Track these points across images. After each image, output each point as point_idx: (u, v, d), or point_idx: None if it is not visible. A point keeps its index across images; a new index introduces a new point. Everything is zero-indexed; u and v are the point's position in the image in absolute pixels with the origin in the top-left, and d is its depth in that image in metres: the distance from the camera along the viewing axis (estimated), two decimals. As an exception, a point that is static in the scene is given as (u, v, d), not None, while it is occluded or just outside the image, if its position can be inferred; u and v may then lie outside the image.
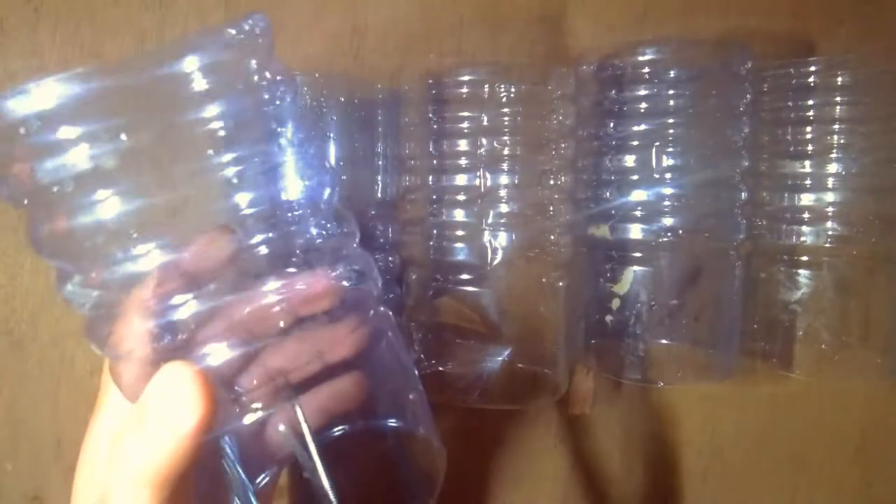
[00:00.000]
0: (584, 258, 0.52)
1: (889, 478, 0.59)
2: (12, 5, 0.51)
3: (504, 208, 0.49)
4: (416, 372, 0.34)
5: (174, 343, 0.27)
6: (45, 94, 0.24)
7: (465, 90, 0.49)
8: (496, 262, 0.49)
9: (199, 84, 0.26)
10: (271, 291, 0.27)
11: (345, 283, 0.29)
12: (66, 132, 0.25)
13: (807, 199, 0.50)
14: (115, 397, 0.30)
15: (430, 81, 0.50)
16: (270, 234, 0.28)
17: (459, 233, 0.50)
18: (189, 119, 0.26)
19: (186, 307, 0.26)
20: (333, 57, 0.54)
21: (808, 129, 0.49)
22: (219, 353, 0.27)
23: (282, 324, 0.28)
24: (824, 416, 0.58)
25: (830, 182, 0.49)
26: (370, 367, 0.32)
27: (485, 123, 0.48)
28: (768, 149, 0.51)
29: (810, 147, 0.49)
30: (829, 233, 0.49)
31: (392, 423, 0.32)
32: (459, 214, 0.50)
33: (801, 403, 0.58)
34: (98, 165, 0.25)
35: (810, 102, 0.49)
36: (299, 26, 0.53)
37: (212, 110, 0.26)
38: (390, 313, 0.34)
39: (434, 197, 0.50)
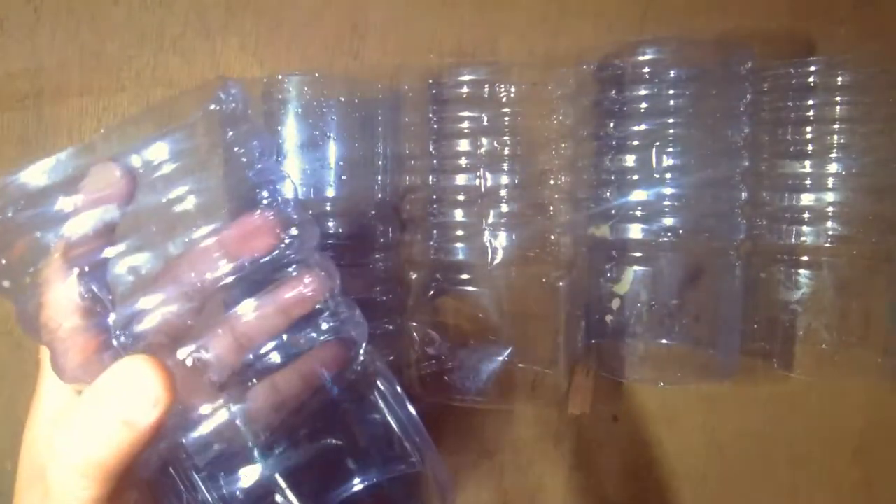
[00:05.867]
0: (584, 258, 0.52)
1: (889, 477, 0.59)
2: (12, 5, 0.51)
3: (504, 208, 0.49)
4: (413, 409, 0.32)
5: (106, 317, 0.26)
6: (31, 177, 0.25)
7: (465, 90, 0.49)
8: (496, 262, 0.49)
9: (168, 168, 0.27)
10: (206, 234, 0.27)
11: (281, 226, 0.28)
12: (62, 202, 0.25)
13: (807, 198, 0.50)
14: (55, 379, 0.29)
15: (431, 81, 0.50)
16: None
17: (460, 233, 0.50)
18: (164, 199, 0.27)
19: (116, 262, 0.26)
20: (333, 57, 0.54)
21: (808, 129, 0.49)
22: (160, 312, 0.26)
23: (224, 266, 0.27)
24: (824, 416, 0.58)
25: (830, 182, 0.49)
26: (363, 417, 0.31)
27: (485, 123, 0.48)
28: (768, 149, 0.51)
29: (810, 147, 0.49)
30: (829, 233, 0.49)
31: (401, 468, 0.31)
32: (459, 214, 0.50)
33: (801, 403, 0.58)
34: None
35: (810, 102, 0.49)
36: (299, 26, 0.53)
37: (182, 189, 0.27)
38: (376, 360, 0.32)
39: (434, 197, 0.50)
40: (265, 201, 0.29)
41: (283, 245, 0.29)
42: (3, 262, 0.26)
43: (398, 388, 0.32)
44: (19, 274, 0.26)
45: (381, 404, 0.31)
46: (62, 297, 0.25)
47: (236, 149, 0.29)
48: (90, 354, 0.26)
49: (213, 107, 0.28)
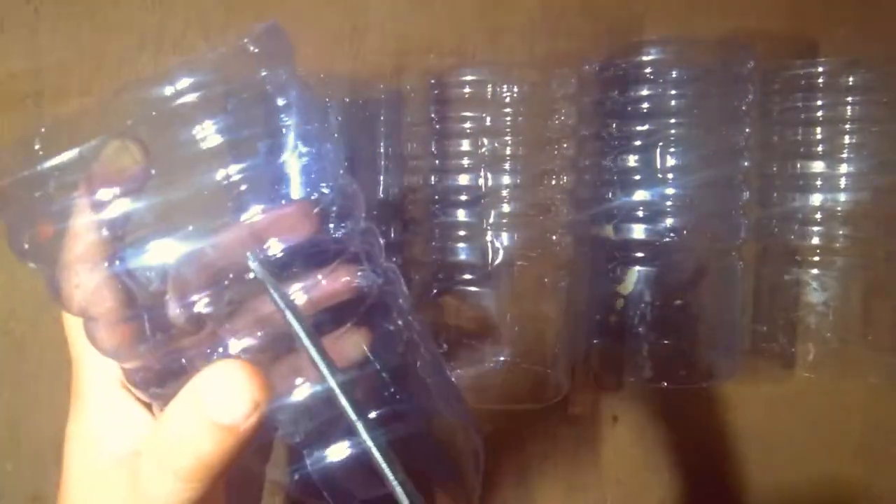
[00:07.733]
0: (586, 258, 0.52)
1: (889, 477, 0.59)
2: (12, 5, 0.51)
3: (506, 208, 0.49)
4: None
5: (149, 293, 0.25)
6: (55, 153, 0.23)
7: (467, 90, 0.49)
8: (498, 262, 0.49)
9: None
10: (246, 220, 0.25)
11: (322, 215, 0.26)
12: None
13: (817, 199, 0.50)
14: (93, 393, 0.29)
15: (433, 82, 0.50)
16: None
17: (461, 233, 0.50)
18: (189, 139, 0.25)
19: (153, 249, 0.24)
20: (334, 57, 0.54)
21: (819, 129, 0.50)
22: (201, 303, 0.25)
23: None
24: (825, 416, 0.58)
25: (841, 182, 0.49)
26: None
27: (487, 123, 0.48)
28: (779, 149, 0.51)
29: (821, 147, 0.50)
30: (839, 233, 0.49)
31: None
32: (461, 214, 0.50)
33: (802, 403, 0.58)
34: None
35: (820, 103, 0.49)
36: (299, 26, 0.53)
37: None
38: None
39: (436, 197, 0.50)
40: (320, 190, 0.27)
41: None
42: (27, 245, 0.25)
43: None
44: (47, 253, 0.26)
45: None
46: (99, 281, 0.25)
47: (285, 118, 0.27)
48: (128, 336, 0.26)
49: (263, 73, 0.26)
